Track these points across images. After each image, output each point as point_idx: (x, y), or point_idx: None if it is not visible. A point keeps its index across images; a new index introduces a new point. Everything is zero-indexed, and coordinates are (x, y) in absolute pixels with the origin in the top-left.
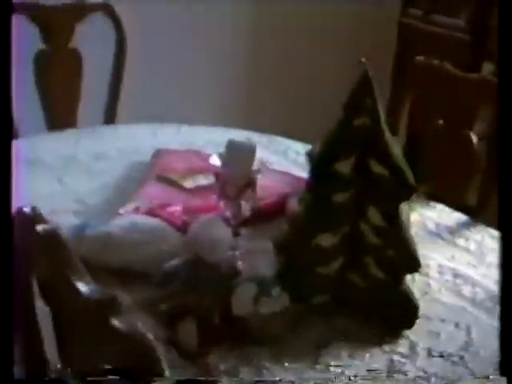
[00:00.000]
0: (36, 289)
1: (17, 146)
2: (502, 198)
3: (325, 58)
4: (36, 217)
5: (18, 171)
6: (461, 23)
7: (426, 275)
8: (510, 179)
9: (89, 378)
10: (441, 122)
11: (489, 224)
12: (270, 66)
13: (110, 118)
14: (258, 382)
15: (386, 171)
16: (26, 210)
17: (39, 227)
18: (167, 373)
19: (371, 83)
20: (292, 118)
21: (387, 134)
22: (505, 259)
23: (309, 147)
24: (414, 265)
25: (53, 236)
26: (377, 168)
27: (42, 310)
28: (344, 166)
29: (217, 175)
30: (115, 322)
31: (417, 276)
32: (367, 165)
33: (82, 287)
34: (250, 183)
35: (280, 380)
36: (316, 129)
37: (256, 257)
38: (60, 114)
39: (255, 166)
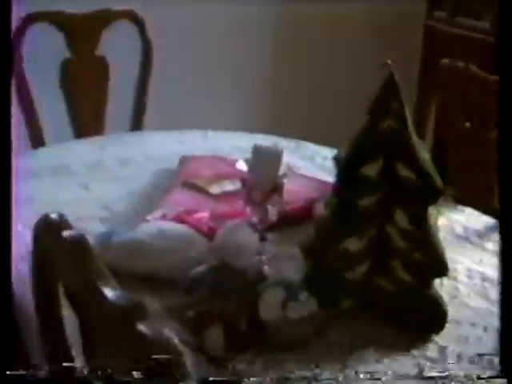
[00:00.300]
0: (62, 295)
1: (43, 154)
2: (502, 198)
3: (351, 62)
4: (62, 223)
5: (45, 179)
6: (486, 25)
7: (455, 279)
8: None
9: (116, 377)
10: (467, 124)
11: None
12: (295, 71)
13: (136, 124)
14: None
15: (413, 175)
16: (53, 216)
17: (65, 233)
18: (194, 376)
19: (397, 86)
20: (319, 123)
21: (414, 138)
22: (505, 259)
23: (336, 152)
24: (441, 269)
25: (79, 242)
26: (404, 171)
27: (68, 316)
28: (371, 170)
29: (243, 181)
30: (141, 327)
31: (445, 280)
32: (394, 168)
33: (109, 293)
34: (277, 188)
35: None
36: (343, 133)
37: (282, 262)
38: (87, 122)
39: (281, 170)
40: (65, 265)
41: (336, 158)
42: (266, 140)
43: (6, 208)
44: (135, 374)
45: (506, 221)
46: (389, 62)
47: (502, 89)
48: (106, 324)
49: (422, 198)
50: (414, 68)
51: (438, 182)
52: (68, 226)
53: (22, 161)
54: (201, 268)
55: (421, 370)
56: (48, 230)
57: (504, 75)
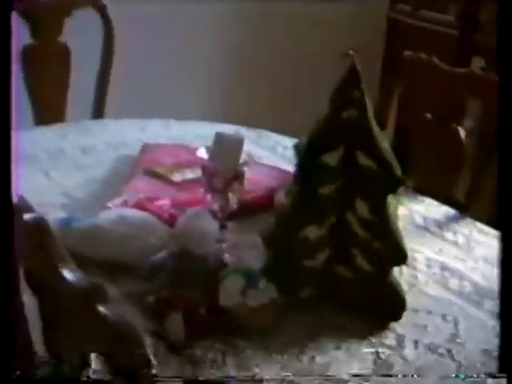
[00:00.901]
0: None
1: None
2: (502, 197)
3: (312, 52)
4: (23, 206)
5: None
6: (450, 18)
7: (414, 268)
8: (509, 179)
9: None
10: (429, 116)
11: (476, 218)
12: (258, 61)
13: (97, 112)
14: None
15: (373, 163)
16: (14, 199)
17: (26, 216)
18: (153, 361)
19: (359, 75)
20: (280, 113)
21: (375, 127)
22: (505, 259)
23: (296, 141)
24: (400, 257)
25: (40, 224)
26: (364, 160)
27: (27, 299)
28: (331, 158)
29: (204, 168)
30: (102, 310)
31: (404, 269)
32: (354, 157)
33: (69, 275)
34: (238, 176)
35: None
36: (304, 124)
37: (243, 250)
38: (48, 109)
39: (242, 158)
40: (25, 247)
41: (296, 147)
42: (227, 129)
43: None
44: (95, 356)
45: (506, 221)
46: (351, 52)
47: (501, 89)
48: (67, 306)
49: (381, 186)
50: (376, 59)
51: (398, 171)
52: (29, 209)
53: None
54: (161, 254)
55: (378, 357)
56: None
57: (504, 75)
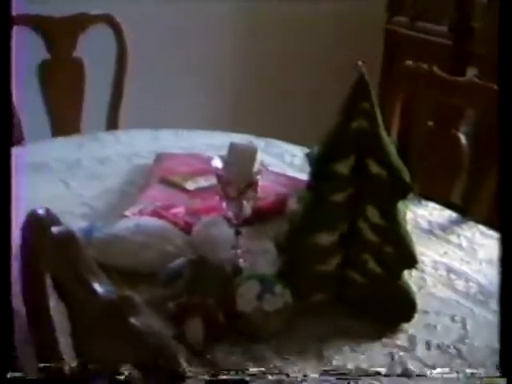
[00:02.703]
0: (51, 289)
1: (22, 151)
2: (502, 198)
3: (319, 62)
4: (50, 218)
5: (24, 176)
6: (444, 29)
7: (422, 271)
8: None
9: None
10: (430, 123)
11: (477, 221)
12: (266, 73)
13: (111, 124)
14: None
15: (383, 171)
16: (40, 212)
17: (54, 229)
18: (185, 367)
19: (368, 86)
20: (289, 122)
21: (384, 136)
22: (505, 259)
23: (305, 150)
24: (411, 261)
25: (68, 237)
26: (375, 168)
27: (57, 309)
28: (343, 167)
29: (218, 177)
30: (133, 321)
31: (413, 272)
32: (365, 165)
33: (98, 287)
34: (252, 184)
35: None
36: (312, 133)
37: (257, 255)
38: (64, 121)
39: (256, 167)
40: (54, 260)
41: (309, 155)
42: (237, 138)
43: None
44: (128, 368)
45: (506, 219)
46: (359, 63)
47: (501, 93)
48: (97, 318)
49: (392, 193)
50: (375, 69)
51: (408, 178)
52: (56, 222)
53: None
54: (178, 262)
55: (392, 358)
56: (37, 225)
57: (503, 81)
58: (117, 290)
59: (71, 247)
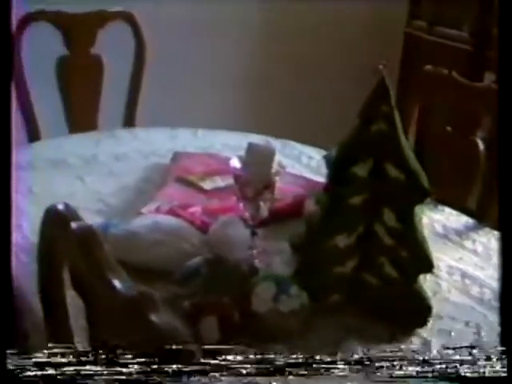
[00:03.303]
0: (68, 282)
1: (39, 147)
2: (501, 198)
3: (340, 65)
4: (70, 214)
5: (41, 171)
6: (463, 35)
7: (436, 276)
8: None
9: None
10: (448, 128)
11: (493, 227)
12: (285, 73)
13: (129, 121)
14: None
15: (401, 175)
16: (60, 207)
17: (74, 224)
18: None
19: (388, 90)
20: (306, 124)
21: (403, 139)
22: (505, 260)
23: (322, 152)
24: (427, 265)
25: (88, 233)
26: (393, 172)
27: (73, 302)
28: (361, 170)
29: (236, 177)
30: (153, 318)
31: (428, 276)
32: (383, 168)
33: (118, 284)
34: (269, 185)
35: None
36: (330, 135)
37: (273, 256)
38: (81, 117)
39: (274, 168)
40: (74, 255)
41: (326, 158)
42: (254, 139)
43: (7, 201)
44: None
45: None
46: (380, 66)
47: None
48: (117, 314)
49: (409, 197)
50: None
51: (426, 182)
52: (76, 217)
53: (19, 154)
54: (195, 260)
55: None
56: (56, 219)
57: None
58: (136, 287)
59: (91, 242)
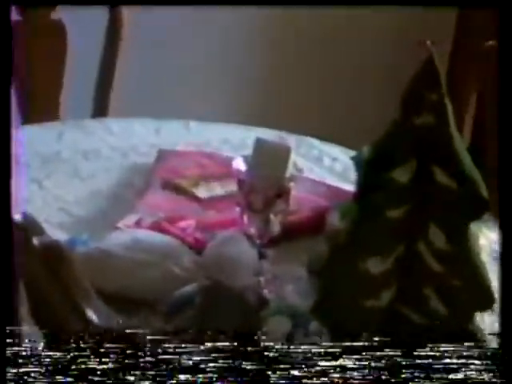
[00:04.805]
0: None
1: None
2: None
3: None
4: (31, 227)
5: None
6: None
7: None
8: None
9: None
10: None
11: None
12: (300, 50)
13: (100, 109)
14: None
15: (453, 182)
16: (18, 218)
17: (36, 240)
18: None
19: (438, 72)
20: (329, 116)
21: (456, 136)
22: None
23: (350, 153)
24: (486, 300)
25: (55, 251)
26: (442, 178)
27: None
28: (401, 174)
29: (240, 182)
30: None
31: (487, 314)
32: (430, 173)
33: (90, 313)
34: (282, 193)
35: None
36: (359, 130)
37: (286, 284)
38: (39, 103)
39: (289, 172)
40: (36, 277)
41: (356, 159)
42: (263, 134)
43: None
44: None
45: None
46: (428, 42)
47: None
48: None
49: (463, 211)
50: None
51: (484, 192)
52: (39, 230)
53: None
54: (187, 288)
55: None
56: (14, 234)
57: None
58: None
59: (59, 263)
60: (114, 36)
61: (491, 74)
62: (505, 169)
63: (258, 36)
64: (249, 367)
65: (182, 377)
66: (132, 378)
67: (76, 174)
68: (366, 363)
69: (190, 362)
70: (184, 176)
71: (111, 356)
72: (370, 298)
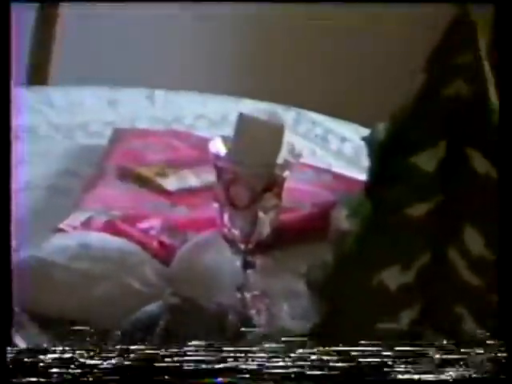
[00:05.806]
0: None
1: None
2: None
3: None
4: None
5: None
6: None
7: None
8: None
9: None
10: None
11: None
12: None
13: (36, 75)
14: None
15: (493, 169)
16: None
17: None
18: None
19: (474, 28)
20: (334, 86)
21: (497, 111)
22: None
23: (362, 131)
24: None
25: None
26: (479, 164)
27: None
28: (426, 160)
29: (219, 170)
30: None
31: None
32: (464, 158)
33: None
34: (273, 184)
35: None
36: (372, 103)
37: (278, 302)
38: None
39: (282, 156)
40: None
41: (369, 140)
42: (249, 107)
43: None
44: None
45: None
46: None
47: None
48: None
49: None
50: None
51: None
52: None
53: None
54: (150, 307)
55: None
56: None
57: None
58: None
59: None
60: None
61: None
62: (505, 168)
63: None
64: None
65: None
66: None
67: None
68: None
69: None
70: (147, 162)
71: None
72: (386, 318)
